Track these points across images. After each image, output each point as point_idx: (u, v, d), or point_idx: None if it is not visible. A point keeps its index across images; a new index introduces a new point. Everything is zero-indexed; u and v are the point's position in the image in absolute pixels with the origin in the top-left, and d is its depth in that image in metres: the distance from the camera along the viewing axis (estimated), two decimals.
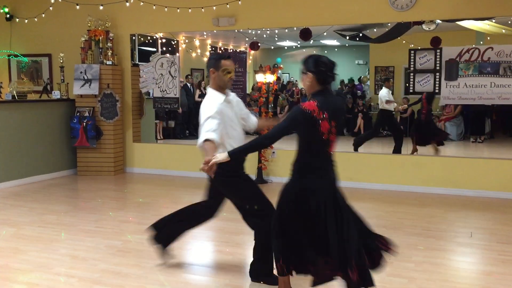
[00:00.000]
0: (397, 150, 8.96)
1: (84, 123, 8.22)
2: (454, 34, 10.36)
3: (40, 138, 8.01)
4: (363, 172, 7.45)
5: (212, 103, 3.53)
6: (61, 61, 8.49)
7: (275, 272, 3.41)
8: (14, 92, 7.94)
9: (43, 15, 8.78)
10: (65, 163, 8.51)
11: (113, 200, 6.81)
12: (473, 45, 7.11)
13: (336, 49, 17.61)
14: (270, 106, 8.45)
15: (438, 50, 7.26)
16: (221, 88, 3.65)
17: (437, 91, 7.26)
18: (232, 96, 3.76)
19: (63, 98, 8.47)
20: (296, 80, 17.66)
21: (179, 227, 4.03)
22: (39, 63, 9.68)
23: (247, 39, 13.14)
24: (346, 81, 16.20)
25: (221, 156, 3.12)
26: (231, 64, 3.64)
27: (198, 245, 4.79)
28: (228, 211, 4.16)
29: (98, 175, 8.42)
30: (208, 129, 3.39)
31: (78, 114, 8.32)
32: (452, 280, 3.88)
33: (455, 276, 4.01)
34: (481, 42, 9.97)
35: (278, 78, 13.32)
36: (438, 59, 7.20)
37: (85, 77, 8.22)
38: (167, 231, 4.03)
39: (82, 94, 8.30)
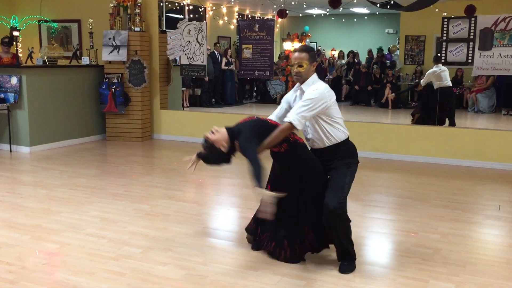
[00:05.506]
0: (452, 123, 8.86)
1: (113, 89, 8.32)
2: (489, 2, 10.00)
3: (70, 103, 8.15)
4: (391, 143, 7.37)
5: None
6: (90, 27, 8.55)
7: None
8: (45, 58, 8.06)
9: None
10: (95, 129, 8.67)
11: (140, 165, 6.94)
12: (510, 14, 6.85)
13: (365, 17, 17.24)
14: None
15: (473, 19, 7.02)
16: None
17: (470, 61, 7.07)
18: (305, 89, 3.55)
19: (92, 64, 8.57)
20: (323, 49, 17.39)
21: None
22: (69, 28, 9.78)
23: (275, 6, 12.95)
24: (375, 51, 15.86)
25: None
26: (296, 56, 3.53)
27: (223, 211, 4.87)
28: None
29: (126, 140, 8.57)
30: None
31: (107, 80, 8.41)
32: (477, 252, 3.85)
33: (481, 248, 3.98)
34: None
35: None
36: (472, 28, 6.97)
37: (114, 43, 8.26)
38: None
39: (111, 60, 8.38)
